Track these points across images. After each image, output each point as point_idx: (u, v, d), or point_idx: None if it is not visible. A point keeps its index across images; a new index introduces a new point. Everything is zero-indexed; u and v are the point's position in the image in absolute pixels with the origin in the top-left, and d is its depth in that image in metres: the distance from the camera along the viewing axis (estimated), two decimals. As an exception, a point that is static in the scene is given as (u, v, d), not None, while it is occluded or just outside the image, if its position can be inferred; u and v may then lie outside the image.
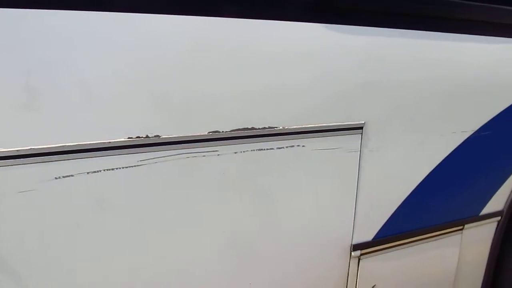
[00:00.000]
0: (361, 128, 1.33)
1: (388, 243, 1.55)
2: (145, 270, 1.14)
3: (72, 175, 0.98)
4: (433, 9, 1.38)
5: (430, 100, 1.46)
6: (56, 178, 0.97)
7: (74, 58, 0.93)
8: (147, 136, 1.03)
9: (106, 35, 0.96)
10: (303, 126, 1.23)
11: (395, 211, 1.52)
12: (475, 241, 1.81)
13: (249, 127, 1.15)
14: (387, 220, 1.51)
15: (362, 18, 1.27)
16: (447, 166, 1.57)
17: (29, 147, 0.93)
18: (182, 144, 1.08)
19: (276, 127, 1.19)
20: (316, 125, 1.25)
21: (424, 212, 1.60)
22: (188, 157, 1.09)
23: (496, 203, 1.79)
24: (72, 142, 0.96)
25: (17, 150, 0.92)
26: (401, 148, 1.46)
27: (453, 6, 1.42)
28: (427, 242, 1.64)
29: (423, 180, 1.54)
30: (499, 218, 1.82)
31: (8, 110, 0.90)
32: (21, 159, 0.93)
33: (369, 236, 1.50)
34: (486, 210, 1.77)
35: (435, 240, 1.66)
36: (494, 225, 1.84)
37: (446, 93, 1.49)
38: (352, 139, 1.33)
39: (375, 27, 1.29)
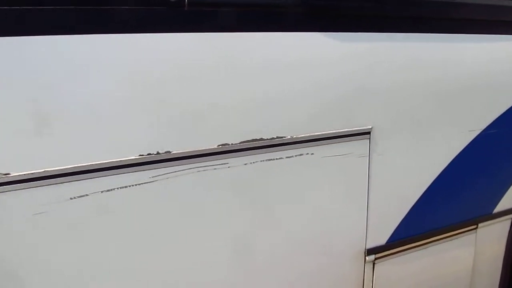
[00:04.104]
0: (369, 133, 1.34)
1: (402, 246, 1.54)
2: (160, 285, 1.15)
3: (86, 195, 0.99)
4: (433, 11, 1.39)
5: (435, 101, 1.47)
6: (71, 198, 0.98)
7: (81, 80, 0.95)
8: (158, 153, 1.04)
9: (111, 55, 0.98)
10: (311, 134, 1.23)
11: (408, 214, 1.51)
12: (490, 240, 1.80)
13: (258, 138, 1.16)
14: (400, 223, 1.51)
15: (365, 25, 1.28)
16: (457, 166, 1.57)
17: (42, 170, 0.94)
18: (193, 159, 1.09)
19: (284, 137, 1.19)
20: (324, 133, 1.25)
21: (437, 213, 1.60)
22: (199, 171, 1.10)
23: (509, 200, 1.78)
24: (84, 163, 0.98)
25: (32, 173, 0.93)
26: (410, 150, 1.46)
27: (452, 7, 1.43)
28: (442, 243, 1.63)
29: (434, 181, 1.53)
30: (512, 215, 1.81)
31: (20, 134, 0.91)
32: (36, 181, 0.94)
33: (382, 240, 1.49)
34: (499, 208, 1.76)
35: (450, 240, 1.65)
36: (508, 222, 1.82)
37: (452, 93, 1.49)
38: (360, 145, 1.34)
39: (377, 32, 1.30)
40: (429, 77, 1.43)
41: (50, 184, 0.95)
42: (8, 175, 0.91)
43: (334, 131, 1.27)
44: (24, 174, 0.93)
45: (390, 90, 1.36)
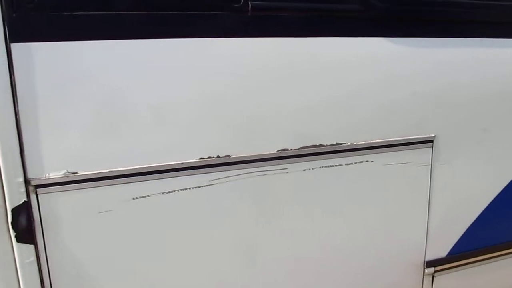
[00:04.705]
0: (432, 141, 1.30)
1: (464, 259, 1.48)
2: (219, 284, 1.16)
3: (148, 196, 1.02)
4: (503, 15, 1.33)
5: (503, 109, 1.40)
6: (133, 198, 1.00)
7: (147, 85, 0.98)
8: (218, 156, 1.05)
9: (176, 61, 1.00)
10: (372, 141, 1.21)
11: (471, 226, 1.45)
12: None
13: (317, 144, 1.15)
14: (462, 235, 1.45)
15: (429, 30, 1.24)
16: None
17: (108, 170, 0.97)
18: (252, 163, 1.09)
19: (344, 143, 1.18)
20: (385, 140, 1.22)
21: (503, 226, 1.53)
22: (258, 175, 1.11)
23: None
24: (147, 164, 1.00)
25: (97, 173, 0.97)
26: (475, 160, 1.40)
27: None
28: (507, 258, 1.55)
29: (500, 193, 1.46)
30: None
31: (87, 135, 0.95)
32: (101, 181, 0.97)
33: (443, 252, 1.44)
34: None
35: (516, 256, 1.57)
36: None
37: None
38: (423, 153, 1.30)
39: (442, 37, 1.26)
40: (496, 83, 1.37)
41: (114, 184, 0.98)
42: (75, 174, 0.95)
43: (395, 138, 1.24)
44: (91, 174, 0.96)
45: (456, 97, 1.31)
